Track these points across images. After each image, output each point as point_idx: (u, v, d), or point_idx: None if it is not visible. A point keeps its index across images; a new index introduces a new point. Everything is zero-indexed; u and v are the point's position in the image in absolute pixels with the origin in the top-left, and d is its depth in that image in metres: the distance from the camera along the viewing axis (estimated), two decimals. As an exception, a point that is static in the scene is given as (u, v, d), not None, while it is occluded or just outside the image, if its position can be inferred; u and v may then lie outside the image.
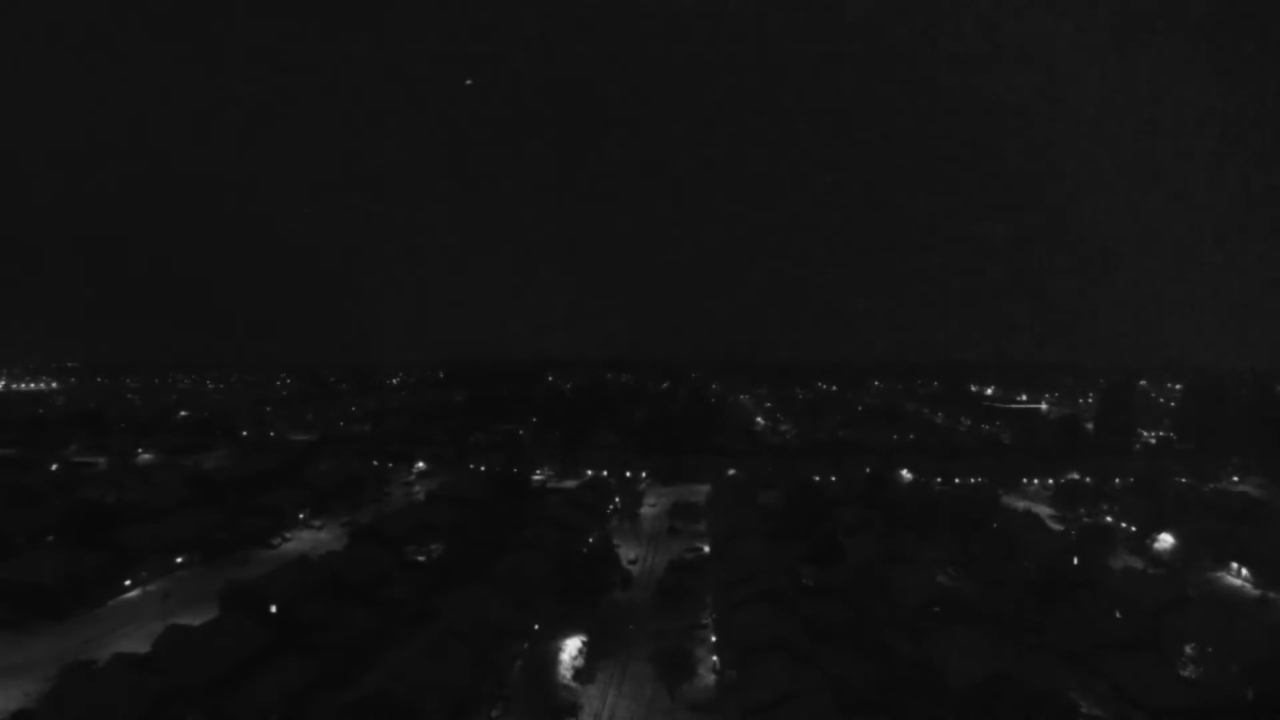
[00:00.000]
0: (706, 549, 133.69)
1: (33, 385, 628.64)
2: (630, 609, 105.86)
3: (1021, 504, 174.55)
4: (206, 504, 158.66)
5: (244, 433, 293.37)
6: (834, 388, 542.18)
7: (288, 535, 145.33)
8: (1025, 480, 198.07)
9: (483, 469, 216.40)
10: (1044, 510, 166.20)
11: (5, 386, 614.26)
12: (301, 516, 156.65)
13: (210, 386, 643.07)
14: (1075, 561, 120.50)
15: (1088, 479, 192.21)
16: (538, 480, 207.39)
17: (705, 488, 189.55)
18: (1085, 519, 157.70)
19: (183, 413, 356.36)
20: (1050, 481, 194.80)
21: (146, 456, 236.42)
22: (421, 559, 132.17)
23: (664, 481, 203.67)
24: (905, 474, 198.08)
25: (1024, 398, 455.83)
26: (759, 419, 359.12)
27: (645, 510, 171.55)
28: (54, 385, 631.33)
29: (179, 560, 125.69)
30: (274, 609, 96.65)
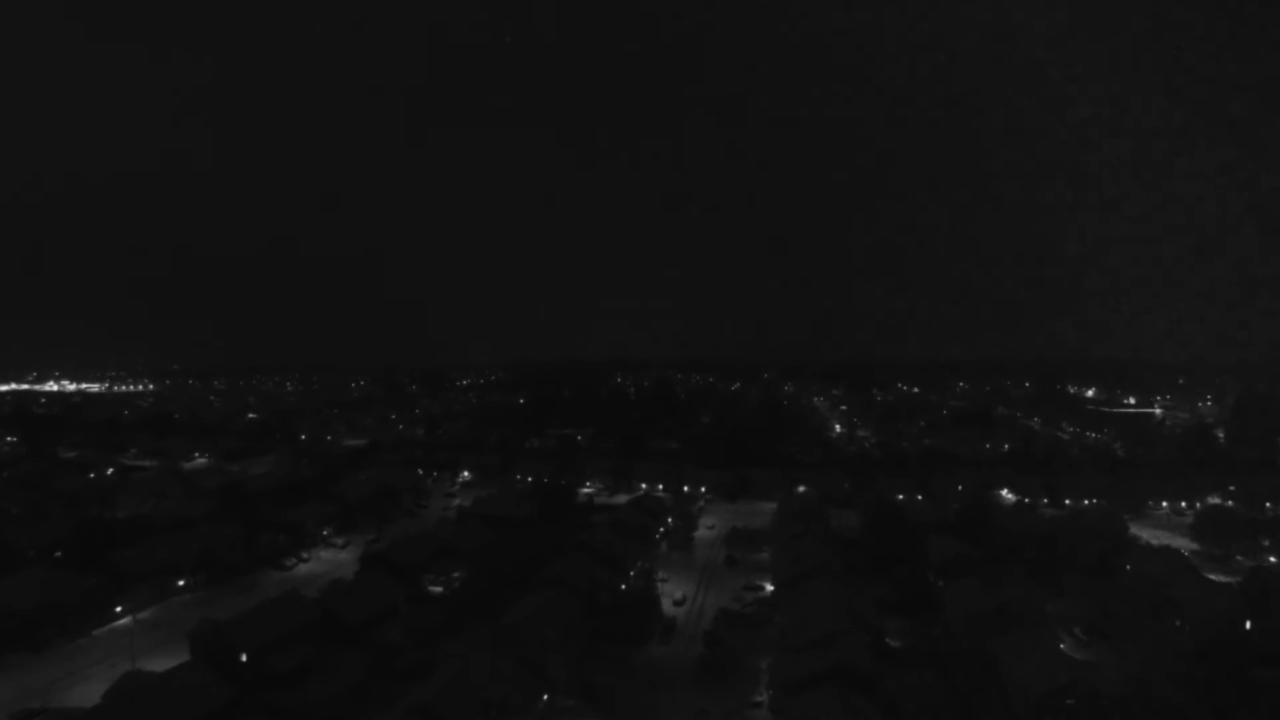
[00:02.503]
0: (769, 587, 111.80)
1: (133, 387, 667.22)
2: (667, 673, 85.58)
3: (1151, 534, 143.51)
4: (232, 516, 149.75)
5: (302, 436, 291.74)
6: (915, 389, 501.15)
7: (305, 555, 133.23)
8: (1152, 503, 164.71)
9: (530, 479, 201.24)
10: (1183, 544, 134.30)
11: (107, 388, 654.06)
12: (326, 533, 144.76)
13: (289, 388, 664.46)
14: (1249, 625, 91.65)
15: (1230, 502, 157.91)
16: (586, 493, 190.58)
17: (772, 505, 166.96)
18: (1239, 558, 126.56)
19: (250, 415, 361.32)
20: (1183, 505, 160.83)
21: (201, 460, 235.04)
22: (439, 589, 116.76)
23: (727, 498, 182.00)
24: (1006, 494, 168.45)
25: (1132, 400, 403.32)
26: (835, 424, 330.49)
27: (702, 533, 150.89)
28: (150, 387, 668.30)
29: (180, 583, 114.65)
30: (245, 657, 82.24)
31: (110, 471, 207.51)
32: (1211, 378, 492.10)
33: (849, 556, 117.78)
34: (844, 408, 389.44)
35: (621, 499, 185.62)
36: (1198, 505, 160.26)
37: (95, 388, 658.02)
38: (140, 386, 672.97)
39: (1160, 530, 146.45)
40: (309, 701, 76.93)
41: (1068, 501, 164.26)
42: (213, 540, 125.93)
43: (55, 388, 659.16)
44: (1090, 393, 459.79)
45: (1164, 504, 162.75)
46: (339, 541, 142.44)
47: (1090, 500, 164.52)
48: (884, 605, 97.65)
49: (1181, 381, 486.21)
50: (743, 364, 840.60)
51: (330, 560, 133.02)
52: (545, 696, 76.74)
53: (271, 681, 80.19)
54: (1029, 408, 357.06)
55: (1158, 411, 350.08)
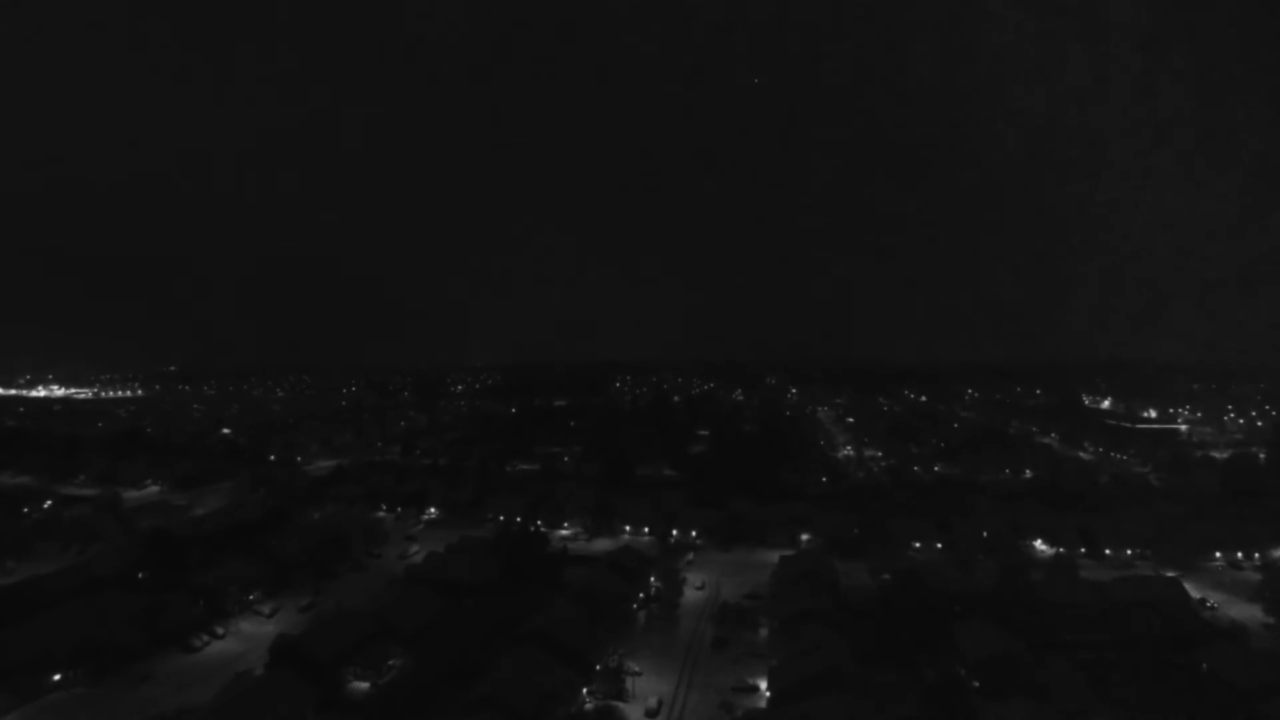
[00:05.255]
0: (764, 688, 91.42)
1: (121, 393, 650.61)
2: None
3: (1209, 594, 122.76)
4: (153, 569, 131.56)
5: (271, 456, 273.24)
6: (923, 398, 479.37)
7: (221, 631, 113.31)
8: (1199, 551, 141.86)
9: (501, 517, 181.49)
10: (1251, 613, 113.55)
11: (95, 394, 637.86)
12: (252, 598, 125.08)
13: (280, 394, 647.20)
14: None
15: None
16: (563, 535, 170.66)
17: (771, 556, 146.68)
18: None
19: (224, 431, 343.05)
20: (1240, 556, 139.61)
21: (152, 489, 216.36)
22: (366, 684, 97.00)
23: (720, 545, 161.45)
24: (1039, 545, 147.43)
25: (1153, 414, 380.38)
26: (840, 439, 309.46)
27: (689, 596, 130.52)
28: (139, 392, 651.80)
29: (56, 679, 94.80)
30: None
31: (48, 505, 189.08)
32: (1227, 384, 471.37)
33: (862, 639, 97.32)
34: (850, 420, 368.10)
35: (602, 543, 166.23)
36: (1256, 557, 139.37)
37: (84, 394, 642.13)
38: (129, 392, 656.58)
39: (1219, 593, 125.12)
40: None
41: (1108, 552, 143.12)
42: (110, 615, 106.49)
43: (43, 393, 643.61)
44: (1106, 403, 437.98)
45: (1218, 554, 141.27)
46: (265, 610, 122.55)
47: (1134, 550, 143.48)
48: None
49: (1196, 387, 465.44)
50: (746, 366, 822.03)
51: (250, 636, 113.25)
52: None
53: None
54: (1045, 422, 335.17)
55: (1182, 428, 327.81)
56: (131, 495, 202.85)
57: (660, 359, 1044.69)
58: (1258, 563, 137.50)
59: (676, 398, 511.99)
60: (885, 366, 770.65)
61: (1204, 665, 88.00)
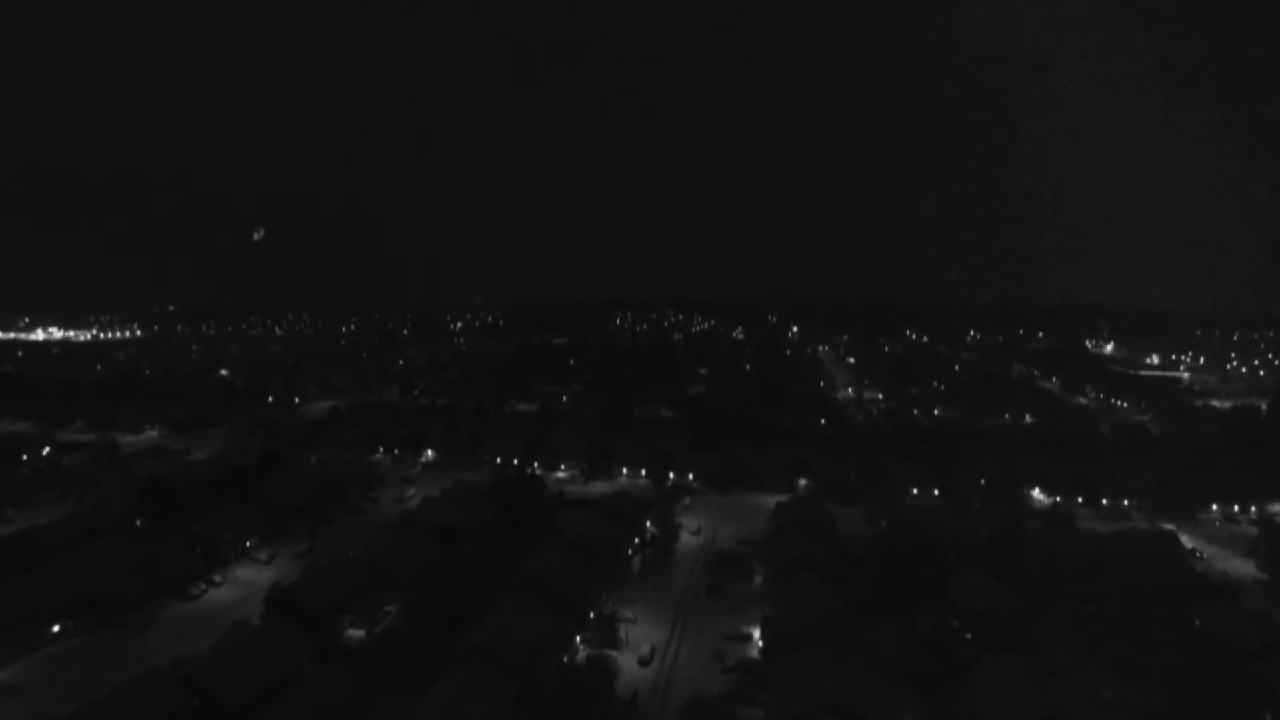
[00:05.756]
0: (757, 637, 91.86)
1: (120, 334, 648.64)
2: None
3: (1204, 547, 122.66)
4: (150, 516, 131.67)
5: (269, 398, 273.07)
6: (925, 338, 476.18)
7: (218, 579, 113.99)
8: (1196, 503, 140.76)
9: (498, 460, 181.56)
10: (1245, 570, 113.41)
11: (95, 335, 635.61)
12: (250, 544, 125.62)
13: (279, 333, 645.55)
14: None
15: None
16: (560, 478, 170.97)
17: (768, 501, 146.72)
18: None
19: (222, 372, 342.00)
20: (1236, 509, 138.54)
21: (150, 434, 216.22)
22: (362, 632, 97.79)
23: (718, 488, 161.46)
24: (1037, 494, 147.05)
25: (1155, 360, 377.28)
26: (840, 380, 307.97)
27: (685, 541, 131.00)
28: (138, 333, 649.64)
29: (56, 630, 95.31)
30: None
31: (46, 451, 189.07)
32: (1231, 331, 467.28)
33: (856, 588, 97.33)
34: (851, 360, 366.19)
35: (599, 486, 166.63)
36: (1253, 510, 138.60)
37: (83, 336, 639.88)
38: (127, 333, 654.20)
39: (1214, 546, 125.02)
40: None
41: (1105, 502, 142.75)
42: (108, 564, 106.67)
43: (42, 336, 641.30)
44: (1109, 348, 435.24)
45: (1214, 507, 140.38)
46: (263, 556, 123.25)
47: (1131, 501, 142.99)
48: (899, 672, 77.30)
49: (1200, 334, 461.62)
50: (748, 304, 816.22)
51: (248, 582, 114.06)
52: None
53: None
54: (1047, 366, 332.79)
55: (1184, 375, 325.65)
56: (129, 440, 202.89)
57: (661, 295, 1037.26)
58: (1254, 516, 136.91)
59: (677, 336, 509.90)
60: (889, 305, 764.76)
61: (1196, 622, 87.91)
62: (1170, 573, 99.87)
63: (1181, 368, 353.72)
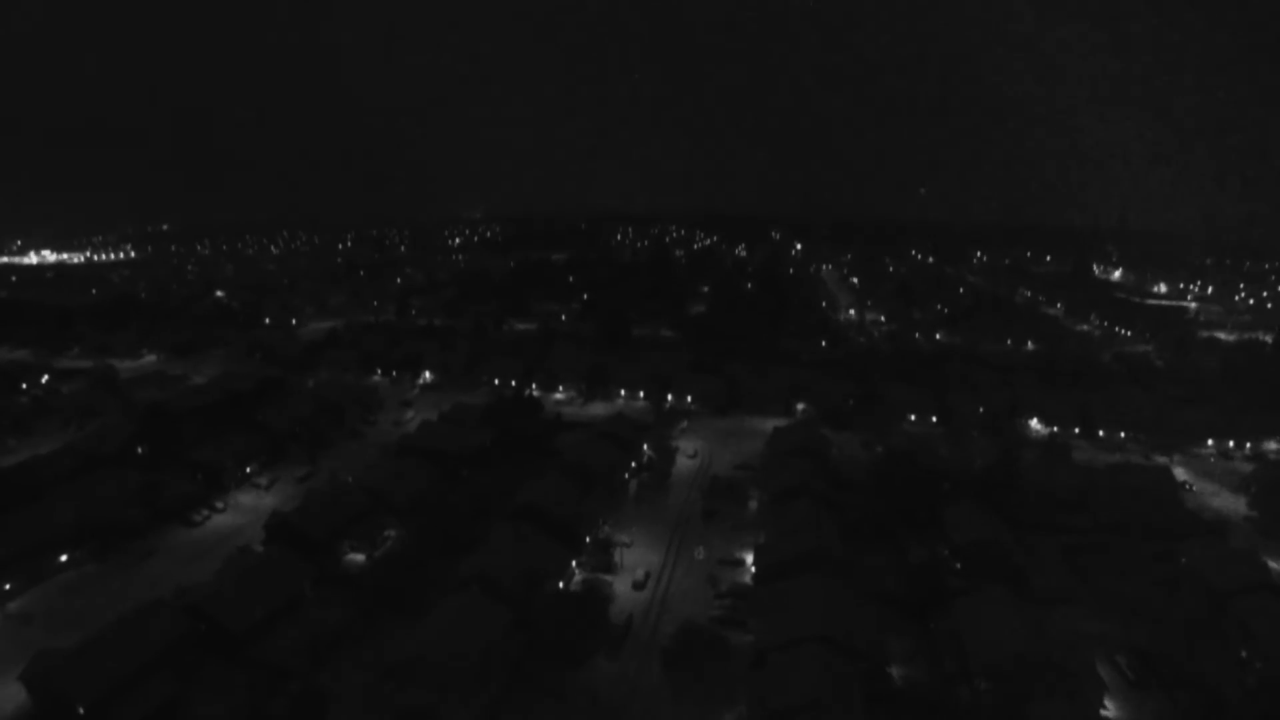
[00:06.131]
0: (749, 562, 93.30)
1: (114, 255, 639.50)
2: (614, 702, 68.44)
3: (1199, 484, 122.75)
4: (150, 443, 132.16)
5: (265, 320, 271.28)
6: (930, 259, 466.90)
7: (220, 505, 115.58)
8: (1193, 437, 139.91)
9: (496, 381, 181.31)
10: (1236, 506, 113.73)
11: (88, 258, 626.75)
12: (250, 470, 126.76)
13: (275, 251, 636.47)
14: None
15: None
16: (558, 400, 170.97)
17: (766, 424, 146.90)
18: None
19: (218, 294, 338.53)
20: (1231, 445, 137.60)
21: (148, 358, 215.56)
22: (362, 556, 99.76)
23: (716, 411, 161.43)
24: (1035, 424, 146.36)
25: (1163, 288, 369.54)
26: (843, 304, 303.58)
27: (682, 465, 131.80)
28: (132, 255, 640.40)
29: (64, 559, 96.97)
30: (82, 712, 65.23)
31: (45, 380, 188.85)
32: (1241, 261, 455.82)
33: (850, 516, 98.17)
34: (854, 280, 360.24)
35: (597, 407, 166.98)
36: (1248, 446, 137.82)
37: (77, 258, 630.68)
38: (121, 255, 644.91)
39: (1208, 481, 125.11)
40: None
41: (1102, 433, 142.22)
42: (111, 493, 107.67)
43: (35, 260, 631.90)
44: (1117, 274, 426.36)
45: (1210, 442, 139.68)
46: (263, 481, 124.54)
47: (1128, 434, 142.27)
48: (889, 602, 78.78)
49: (1210, 262, 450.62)
50: (752, 219, 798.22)
51: (250, 508, 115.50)
52: (442, 776, 59.75)
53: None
54: (1052, 291, 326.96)
55: (1191, 305, 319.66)
56: (127, 366, 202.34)
57: (663, 209, 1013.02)
58: (1248, 453, 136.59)
59: (679, 253, 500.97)
60: (895, 224, 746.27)
61: (1183, 560, 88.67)
62: (1161, 509, 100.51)
63: (1189, 297, 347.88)
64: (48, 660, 68.99)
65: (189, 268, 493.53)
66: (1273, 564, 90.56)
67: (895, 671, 68.47)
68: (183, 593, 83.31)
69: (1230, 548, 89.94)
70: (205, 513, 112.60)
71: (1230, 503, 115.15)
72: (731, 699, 67.45)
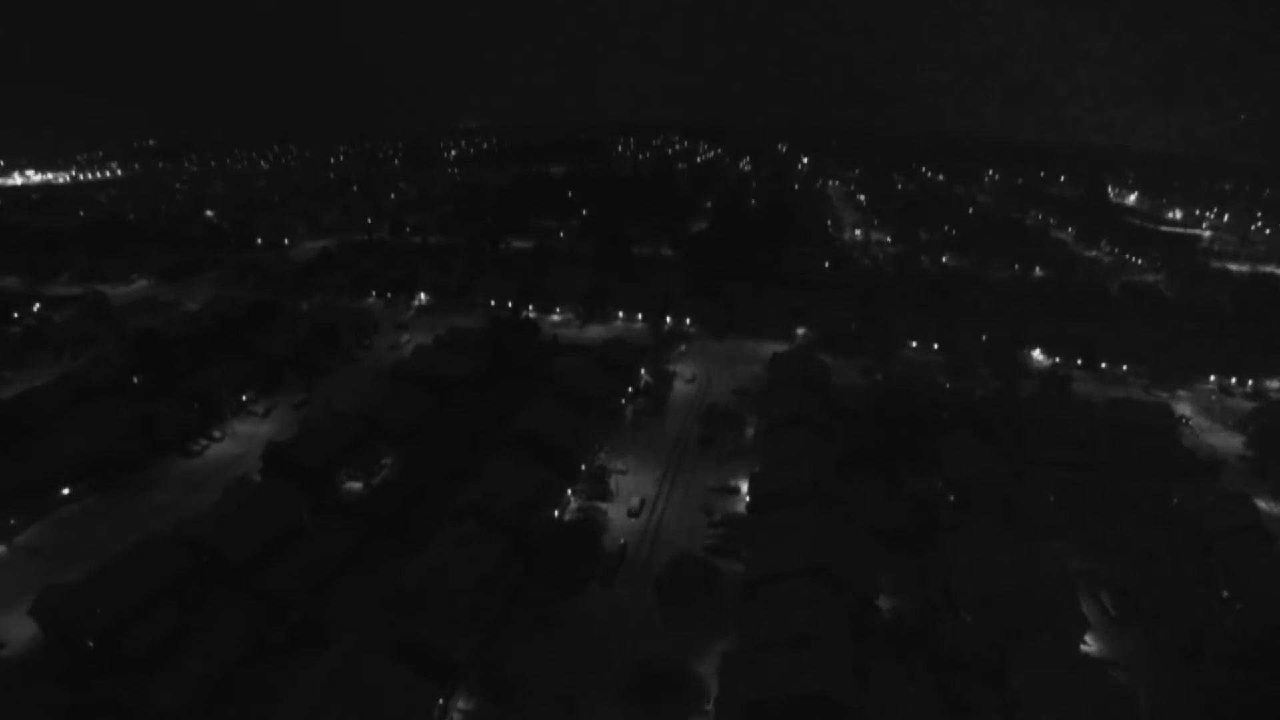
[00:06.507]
0: (744, 490, 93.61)
1: (99, 175, 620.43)
2: (603, 642, 69.97)
3: (1197, 420, 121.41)
4: (144, 371, 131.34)
5: (258, 240, 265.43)
6: (941, 176, 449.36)
7: (218, 434, 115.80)
8: (1195, 372, 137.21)
9: (492, 303, 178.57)
10: (1232, 445, 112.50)
11: (74, 177, 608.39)
12: (246, 398, 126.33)
13: (265, 166, 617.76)
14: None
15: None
16: (554, 324, 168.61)
17: (765, 349, 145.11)
18: None
19: (208, 213, 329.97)
20: (1234, 381, 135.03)
21: (139, 283, 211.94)
22: (360, 484, 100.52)
23: (715, 334, 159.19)
24: (1037, 355, 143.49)
25: (1178, 215, 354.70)
26: (849, 223, 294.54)
27: (679, 389, 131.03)
28: (119, 173, 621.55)
29: (66, 492, 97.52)
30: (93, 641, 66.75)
31: (36, 308, 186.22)
32: (1260, 189, 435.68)
33: (846, 446, 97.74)
34: (861, 198, 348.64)
35: (595, 330, 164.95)
36: (1250, 384, 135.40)
37: (61, 178, 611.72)
38: (107, 173, 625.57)
39: (1207, 418, 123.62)
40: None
41: (1104, 365, 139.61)
42: (108, 425, 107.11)
43: (19, 181, 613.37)
44: (1132, 198, 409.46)
45: (1212, 378, 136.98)
46: (260, 409, 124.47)
47: (1130, 366, 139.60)
48: (881, 534, 79.27)
49: (1228, 188, 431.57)
50: (759, 129, 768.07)
51: (248, 436, 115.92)
52: (440, 702, 61.59)
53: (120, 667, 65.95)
54: (1064, 215, 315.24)
55: (1206, 234, 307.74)
56: (119, 291, 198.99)
57: (667, 120, 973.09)
58: (1249, 390, 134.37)
59: (681, 165, 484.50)
60: (907, 138, 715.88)
61: (1174, 500, 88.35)
62: (1157, 447, 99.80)
63: (1204, 225, 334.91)
64: (55, 595, 70.28)
65: (177, 186, 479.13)
66: (1263, 505, 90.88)
67: (884, 604, 69.47)
68: (183, 525, 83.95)
69: (1222, 490, 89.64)
70: (203, 442, 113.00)
71: (1227, 441, 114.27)
72: (722, 628, 68.87)
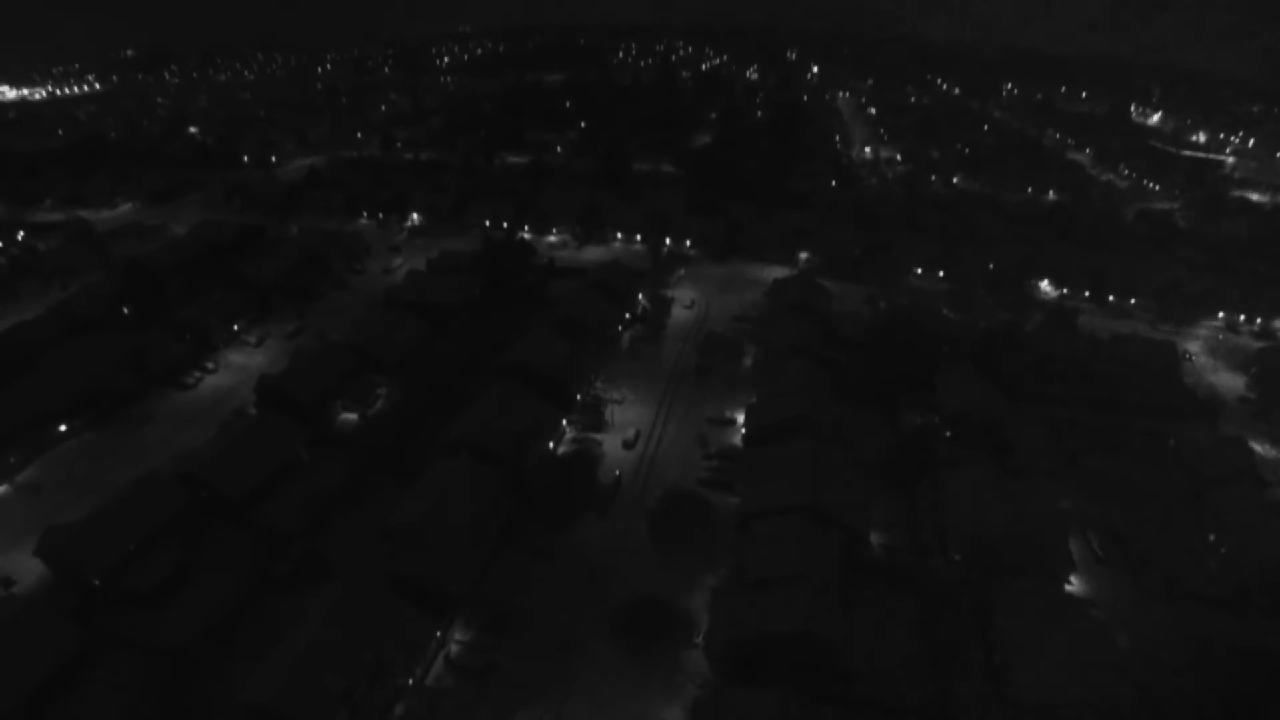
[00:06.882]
0: (740, 422, 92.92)
1: (78, 89, 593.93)
2: (597, 574, 71.05)
3: (1200, 360, 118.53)
4: (134, 300, 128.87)
5: (244, 158, 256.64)
6: (956, 89, 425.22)
7: (211, 366, 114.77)
8: (1203, 308, 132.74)
9: (487, 223, 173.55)
10: (1234, 385, 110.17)
11: (49, 93, 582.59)
12: (237, 328, 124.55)
13: (249, 76, 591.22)
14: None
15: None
16: (550, 245, 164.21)
17: (766, 273, 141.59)
18: None
19: (191, 130, 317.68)
20: (1241, 319, 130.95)
21: (124, 207, 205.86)
22: (355, 416, 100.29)
23: (715, 257, 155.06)
24: (1045, 286, 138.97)
25: (1202, 138, 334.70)
26: (858, 139, 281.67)
27: (677, 315, 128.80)
28: (97, 86, 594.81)
29: (63, 429, 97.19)
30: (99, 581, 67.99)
31: (20, 236, 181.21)
32: None
33: (845, 378, 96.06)
34: (873, 111, 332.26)
35: (592, 251, 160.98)
36: (1258, 322, 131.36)
37: (38, 94, 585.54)
38: (85, 88, 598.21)
39: (1211, 357, 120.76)
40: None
41: (1112, 298, 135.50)
42: (100, 359, 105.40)
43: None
44: (1156, 118, 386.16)
45: (1220, 315, 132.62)
46: (252, 339, 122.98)
47: (1138, 300, 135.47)
48: (877, 470, 78.93)
49: (1257, 110, 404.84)
50: (767, 34, 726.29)
51: (242, 367, 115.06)
52: (438, 635, 63.03)
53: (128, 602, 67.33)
54: (1083, 134, 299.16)
55: (1229, 160, 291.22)
56: (104, 216, 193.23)
57: (671, 22, 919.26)
58: (1257, 329, 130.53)
59: (685, 74, 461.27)
60: (924, 46, 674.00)
61: (1171, 442, 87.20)
62: (1159, 387, 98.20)
63: (1228, 150, 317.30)
64: (58, 536, 70.99)
65: (159, 100, 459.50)
66: (1260, 449, 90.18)
67: (875, 540, 69.85)
68: (181, 461, 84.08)
69: (1220, 434, 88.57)
70: (197, 374, 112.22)
71: (1229, 382, 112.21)
72: (715, 562, 69.68)
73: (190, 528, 75.49)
